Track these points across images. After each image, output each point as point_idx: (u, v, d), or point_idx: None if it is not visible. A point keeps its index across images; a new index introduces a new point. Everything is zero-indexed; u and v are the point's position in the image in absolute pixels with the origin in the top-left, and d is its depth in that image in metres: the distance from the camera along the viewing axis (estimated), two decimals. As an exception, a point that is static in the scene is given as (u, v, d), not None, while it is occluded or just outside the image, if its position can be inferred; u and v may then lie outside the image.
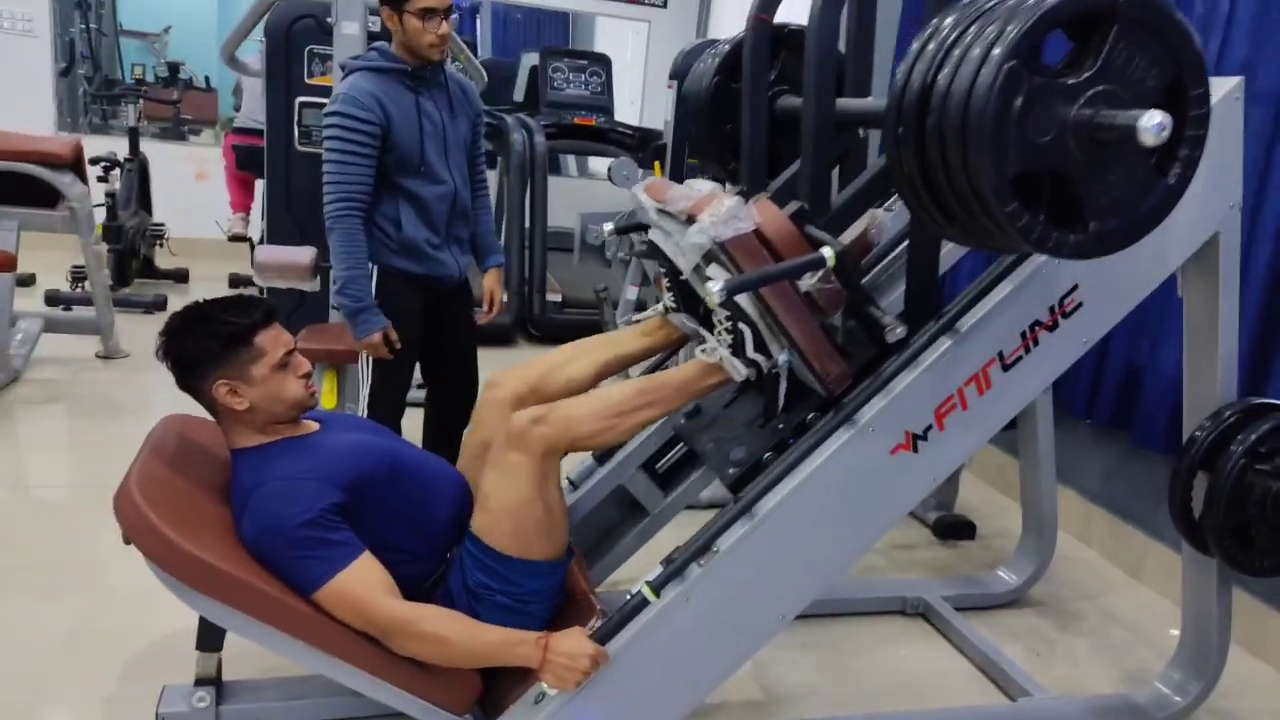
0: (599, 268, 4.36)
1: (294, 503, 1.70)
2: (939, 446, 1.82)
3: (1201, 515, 2.04)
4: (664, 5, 7.31)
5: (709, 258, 1.72)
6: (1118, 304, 1.90)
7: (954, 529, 3.33)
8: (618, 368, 2.17)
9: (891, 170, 1.48)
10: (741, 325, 1.76)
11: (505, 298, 2.95)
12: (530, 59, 6.57)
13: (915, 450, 1.81)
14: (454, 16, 2.57)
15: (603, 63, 6.21)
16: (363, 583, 1.69)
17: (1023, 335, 1.83)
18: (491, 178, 5.53)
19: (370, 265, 2.60)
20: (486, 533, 1.82)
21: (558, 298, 5.51)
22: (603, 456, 2.37)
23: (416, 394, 2.95)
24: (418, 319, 2.71)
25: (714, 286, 1.53)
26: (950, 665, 2.56)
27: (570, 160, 7.98)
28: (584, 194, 6.91)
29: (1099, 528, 3.33)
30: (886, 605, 2.79)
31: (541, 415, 1.79)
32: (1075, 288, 1.84)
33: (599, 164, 7.40)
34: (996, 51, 1.26)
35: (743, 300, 1.70)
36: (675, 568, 1.73)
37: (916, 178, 1.43)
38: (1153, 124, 1.23)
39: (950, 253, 2.29)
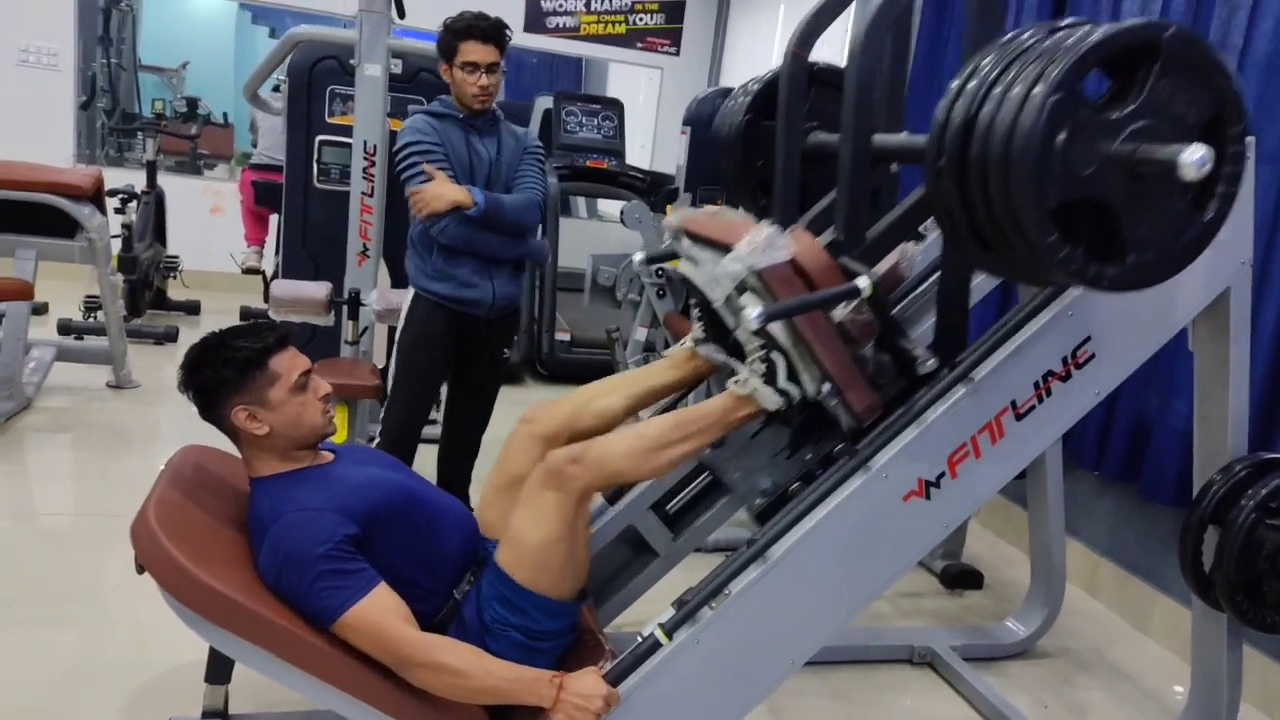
0: (608, 308, 4.39)
1: (312, 534, 1.71)
2: (952, 494, 1.82)
3: (1212, 570, 2.04)
4: (677, 54, 7.43)
5: (742, 287, 1.74)
6: (1130, 356, 1.92)
7: (961, 578, 3.32)
8: (649, 401, 2.17)
9: (926, 204, 1.50)
10: (774, 354, 1.77)
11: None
12: (544, 102, 6.67)
13: (928, 497, 1.81)
14: (500, 73, 2.71)
15: (615, 107, 6.30)
16: (382, 611, 1.69)
17: (1035, 385, 1.84)
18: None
19: (409, 289, 2.81)
20: (513, 567, 1.82)
21: (567, 337, 5.55)
22: (613, 496, 2.37)
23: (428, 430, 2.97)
24: (446, 343, 2.81)
25: (751, 313, 1.54)
26: (957, 715, 2.54)
27: (581, 202, 8.05)
28: (594, 235, 6.97)
29: (1107, 580, 3.31)
30: (894, 654, 2.77)
31: (578, 455, 1.79)
32: (1088, 339, 1.85)
33: (609, 206, 7.47)
34: (1040, 87, 1.29)
35: (776, 329, 1.71)
36: (688, 610, 1.73)
37: (957, 208, 1.45)
38: (1195, 158, 1.25)
39: (978, 286, 2.31)
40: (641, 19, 7.31)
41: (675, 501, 2.44)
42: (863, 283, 1.64)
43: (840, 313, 1.72)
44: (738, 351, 1.95)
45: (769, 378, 1.80)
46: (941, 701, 2.60)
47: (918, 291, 2.29)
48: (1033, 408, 1.85)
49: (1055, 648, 2.95)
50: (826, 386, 1.75)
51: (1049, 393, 1.85)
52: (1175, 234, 1.42)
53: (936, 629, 2.93)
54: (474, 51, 2.65)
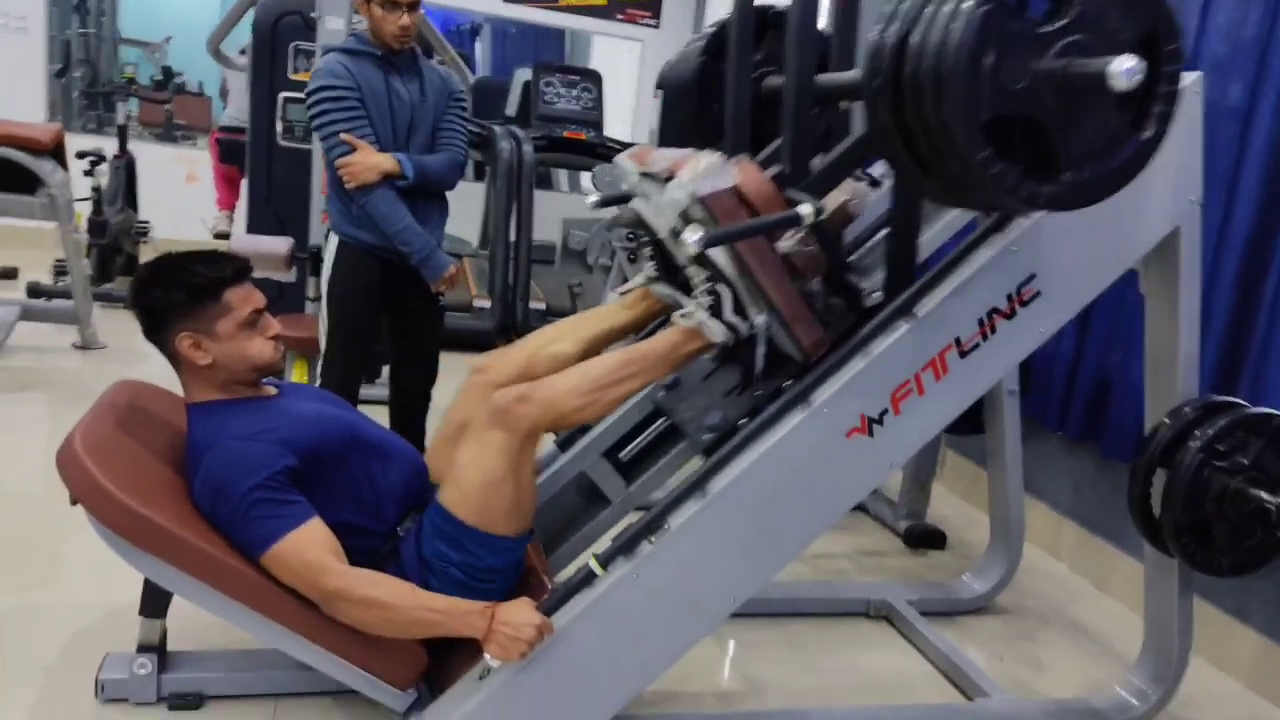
0: (580, 272, 4.38)
1: (248, 463, 1.69)
2: (895, 431, 1.81)
3: (1160, 512, 2.03)
4: (657, 25, 7.38)
5: (687, 218, 1.71)
6: (1076, 295, 1.90)
7: (924, 538, 3.31)
8: (603, 344, 2.13)
9: (869, 139, 1.49)
10: (720, 287, 1.75)
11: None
12: (523, 74, 6.61)
13: (871, 434, 1.80)
14: (419, 12, 2.62)
15: (594, 78, 6.24)
16: (311, 545, 1.67)
17: (980, 322, 1.83)
18: (479, 189, 5.56)
19: (333, 236, 2.69)
20: (456, 505, 1.80)
21: (542, 306, 5.52)
22: (565, 443, 2.35)
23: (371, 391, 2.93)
24: (374, 292, 2.74)
25: (690, 237, 1.52)
26: (911, 666, 2.53)
27: (562, 176, 8.01)
28: (573, 209, 6.94)
29: (1069, 540, 3.31)
30: (850, 607, 2.76)
31: (525, 394, 1.76)
32: (1033, 276, 1.84)
33: (589, 180, 7.43)
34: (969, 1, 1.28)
35: (720, 258, 1.68)
36: (624, 543, 1.72)
37: (893, 130, 1.43)
38: (1124, 68, 1.24)
39: (932, 240, 2.30)
40: (622, -10, 7.26)
41: (629, 449, 2.42)
42: (805, 209, 1.60)
43: (786, 244, 1.69)
44: (688, 288, 1.93)
45: (715, 310, 1.78)
46: (896, 654, 2.60)
47: (874, 241, 2.28)
48: (977, 345, 1.83)
49: (1015, 605, 2.95)
50: (773, 319, 1.73)
51: (994, 330, 1.84)
52: (1112, 152, 1.40)
53: (893, 584, 2.92)
54: None
